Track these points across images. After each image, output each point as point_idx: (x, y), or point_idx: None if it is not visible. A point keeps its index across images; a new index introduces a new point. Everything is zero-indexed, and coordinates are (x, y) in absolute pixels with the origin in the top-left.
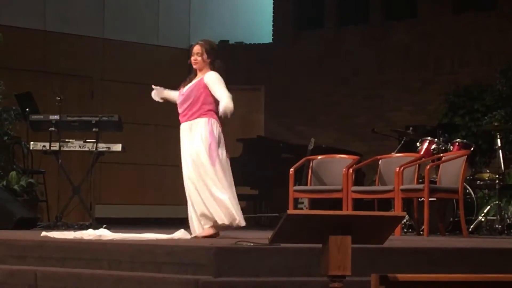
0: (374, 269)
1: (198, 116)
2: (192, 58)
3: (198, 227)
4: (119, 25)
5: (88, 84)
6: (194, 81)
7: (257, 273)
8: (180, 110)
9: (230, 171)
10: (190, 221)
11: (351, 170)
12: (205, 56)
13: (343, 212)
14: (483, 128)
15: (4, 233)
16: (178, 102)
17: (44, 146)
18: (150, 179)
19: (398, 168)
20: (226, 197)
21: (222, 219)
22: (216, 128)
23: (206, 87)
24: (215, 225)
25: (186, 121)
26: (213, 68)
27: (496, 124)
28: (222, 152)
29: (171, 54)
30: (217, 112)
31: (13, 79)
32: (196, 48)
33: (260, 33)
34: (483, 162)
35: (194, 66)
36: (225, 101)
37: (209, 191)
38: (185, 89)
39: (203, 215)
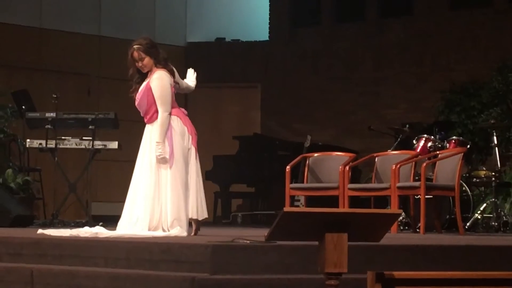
0: (371, 266)
1: (154, 120)
2: (138, 66)
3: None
4: (115, 22)
5: (85, 81)
6: (143, 85)
7: (254, 270)
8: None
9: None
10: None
11: (347, 168)
12: (146, 59)
13: (340, 209)
14: (479, 125)
15: (0, 230)
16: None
17: (40, 143)
18: None
19: (394, 166)
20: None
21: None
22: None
23: (149, 90)
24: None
25: (147, 123)
26: (158, 63)
27: (492, 121)
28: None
29: (167, 51)
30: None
31: (9, 76)
32: (135, 55)
33: (256, 31)
34: (480, 159)
35: (144, 72)
36: (159, 130)
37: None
38: (138, 93)
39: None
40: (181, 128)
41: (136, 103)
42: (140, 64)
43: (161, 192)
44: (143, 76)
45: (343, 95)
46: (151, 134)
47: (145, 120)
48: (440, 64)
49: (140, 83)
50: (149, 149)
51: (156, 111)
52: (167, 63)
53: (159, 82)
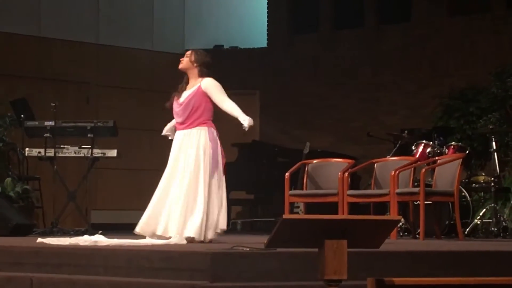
0: (370, 273)
1: (198, 125)
2: (181, 59)
3: (177, 228)
4: (113, 30)
5: (83, 90)
6: (191, 90)
7: (253, 278)
8: (178, 120)
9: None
10: (157, 218)
11: (346, 174)
12: (192, 58)
13: (339, 216)
14: (478, 131)
15: (0, 239)
16: (175, 111)
17: (39, 152)
18: (146, 185)
19: (393, 172)
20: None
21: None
22: (216, 137)
23: (205, 95)
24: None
25: (184, 129)
26: (202, 74)
27: (491, 127)
28: (219, 161)
29: (166, 59)
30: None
31: (8, 85)
32: (187, 52)
33: (254, 38)
34: (479, 165)
35: (179, 66)
36: (243, 116)
37: (201, 203)
38: (183, 98)
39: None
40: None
41: (180, 108)
42: (182, 58)
43: (212, 197)
44: (183, 86)
45: (342, 102)
46: (190, 138)
47: (183, 126)
48: (439, 70)
49: (180, 91)
50: (196, 154)
51: (199, 117)
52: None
53: (213, 81)
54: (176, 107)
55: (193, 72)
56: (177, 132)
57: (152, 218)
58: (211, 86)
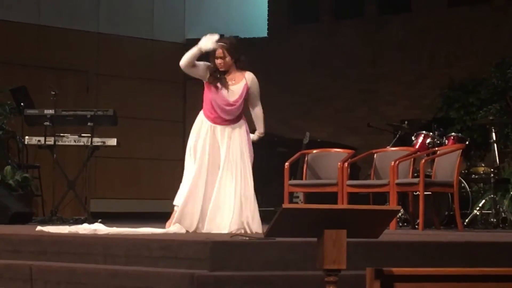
0: (369, 262)
1: (239, 119)
2: (217, 62)
3: (225, 226)
4: (114, 19)
5: (83, 78)
6: (239, 87)
7: (253, 267)
8: (225, 117)
9: None
10: (206, 216)
11: (346, 164)
12: (228, 58)
13: (338, 206)
14: (478, 122)
15: None
16: (219, 105)
17: (39, 140)
18: (145, 173)
19: (393, 162)
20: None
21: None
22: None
23: (247, 92)
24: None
25: (228, 124)
26: (240, 66)
27: (491, 118)
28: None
29: (166, 48)
30: None
31: (7, 73)
32: (219, 53)
33: (255, 27)
34: (478, 156)
35: (221, 69)
36: (262, 129)
37: (252, 195)
38: (233, 97)
39: (250, 218)
40: None
41: (231, 106)
42: (219, 62)
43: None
44: (222, 77)
45: (342, 92)
46: (233, 134)
47: (230, 122)
48: (439, 61)
49: (223, 83)
50: (240, 149)
51: (242, 113)
52: (248, 68)
53: (257, 85)
54: (222, 103)
55: (232, 66)
56: (216, 127)
57: (212, 215)
58: (255, 86)
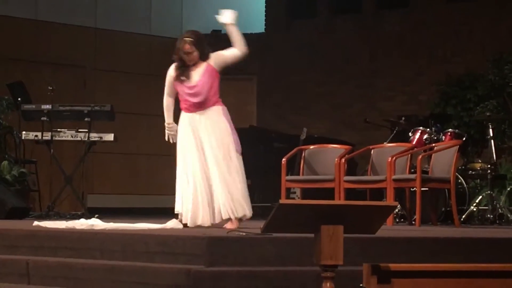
0: (366, 258)
1: (213, 104)
2: (186, 58)
3: (217, 216)
4: (111, 14)
5: (80, 73)
6: (199, 69)
7: (249, 262)
8: (193, 100)
9: None
10: (199, 210)
11: (343, 160)
12: (195, 52)
13: (335, 201)
14: (475, 118)
15: None
16: (186, 92)
17: (36, 135)
18: (142, 169)
19: (390, 158)
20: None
21: (244, 211)
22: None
23: (216, 72)
24: (237, 217)
25: (198, 110)
26: (204, 58)
27: (488, 114)
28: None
29: (163, 44)
30: None
31: (4, 68)
32: (187, 48)
33: (252, 23)
34: (475, 152)
35: (189, 64)
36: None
37: (237, 181)
38: (195, 79)
39: (237, 206)
40: None
41: (195, 89)
42: (189, 58)
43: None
44: (187, 68)
45: (339, 88)
46: (207, 119)
47: (198, 107)
48: (436, 57)
49: (187, 73)
50: (219, 135)
51: (214, 95)
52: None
53: (217, 52)
54: (188, 90)
55: (198, 59)
56: (190, 115)
57: (204, 208)
58: (218, 55)
